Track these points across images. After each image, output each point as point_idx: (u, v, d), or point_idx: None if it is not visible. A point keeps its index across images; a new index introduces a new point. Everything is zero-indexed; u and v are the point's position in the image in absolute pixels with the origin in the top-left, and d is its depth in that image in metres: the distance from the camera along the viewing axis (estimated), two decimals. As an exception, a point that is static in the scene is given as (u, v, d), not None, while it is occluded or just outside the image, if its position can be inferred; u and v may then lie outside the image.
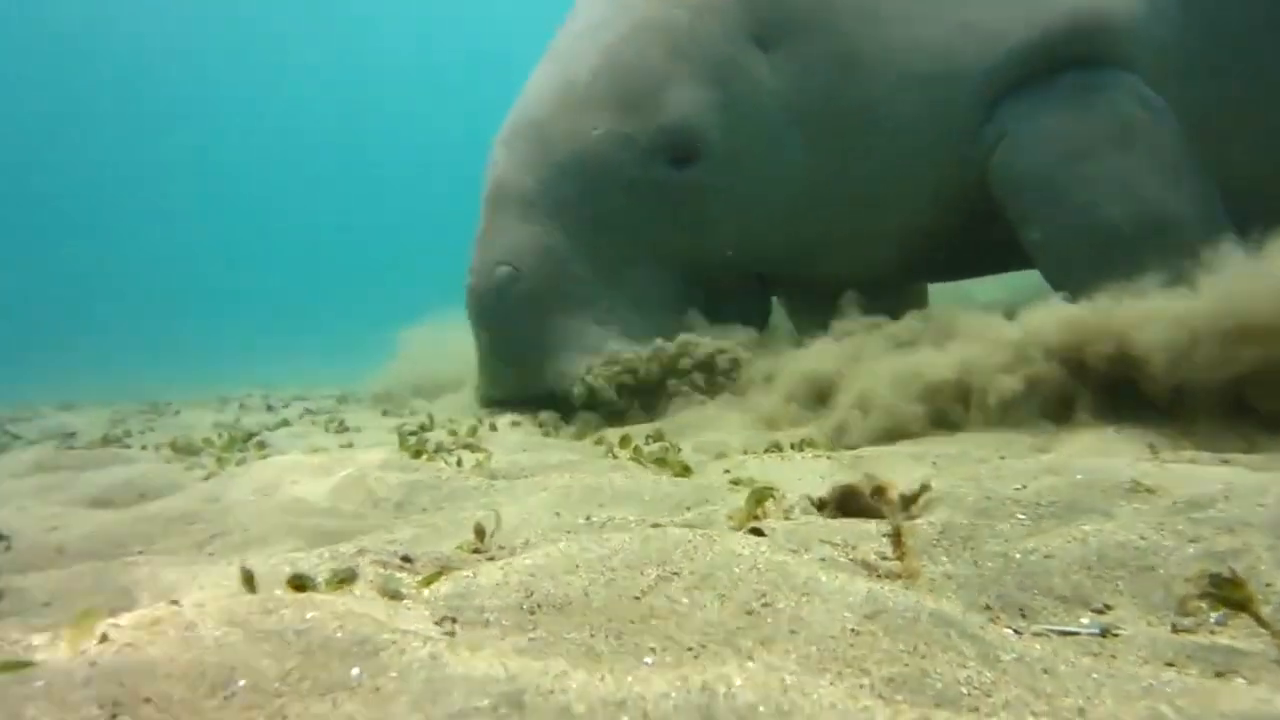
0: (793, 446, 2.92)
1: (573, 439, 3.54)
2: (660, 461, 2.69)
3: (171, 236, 32.76)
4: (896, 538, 1.40)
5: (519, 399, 4.18)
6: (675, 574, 1.20)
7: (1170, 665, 1.07)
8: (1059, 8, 4.10)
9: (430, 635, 1.03)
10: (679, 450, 2.92)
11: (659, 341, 3.99)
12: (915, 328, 3.67)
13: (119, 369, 12.55)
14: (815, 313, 4.48)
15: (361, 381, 8.09)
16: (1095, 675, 1.00)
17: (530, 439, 3.47)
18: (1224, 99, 4.34)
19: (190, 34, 36.41)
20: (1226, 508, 1.54)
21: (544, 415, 4.02)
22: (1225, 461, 2.18)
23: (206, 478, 2.87)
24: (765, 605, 1.12)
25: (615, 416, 3.88)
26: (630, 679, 0.91)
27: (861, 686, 0.96)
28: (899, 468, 2.38)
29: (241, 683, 0.97)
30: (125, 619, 1.24)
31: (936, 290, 5.94)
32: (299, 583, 1.21)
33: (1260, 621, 1.12)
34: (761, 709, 0.85)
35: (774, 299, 5.04)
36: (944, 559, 1.46)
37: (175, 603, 1.30)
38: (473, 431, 3.48)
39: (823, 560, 1.42)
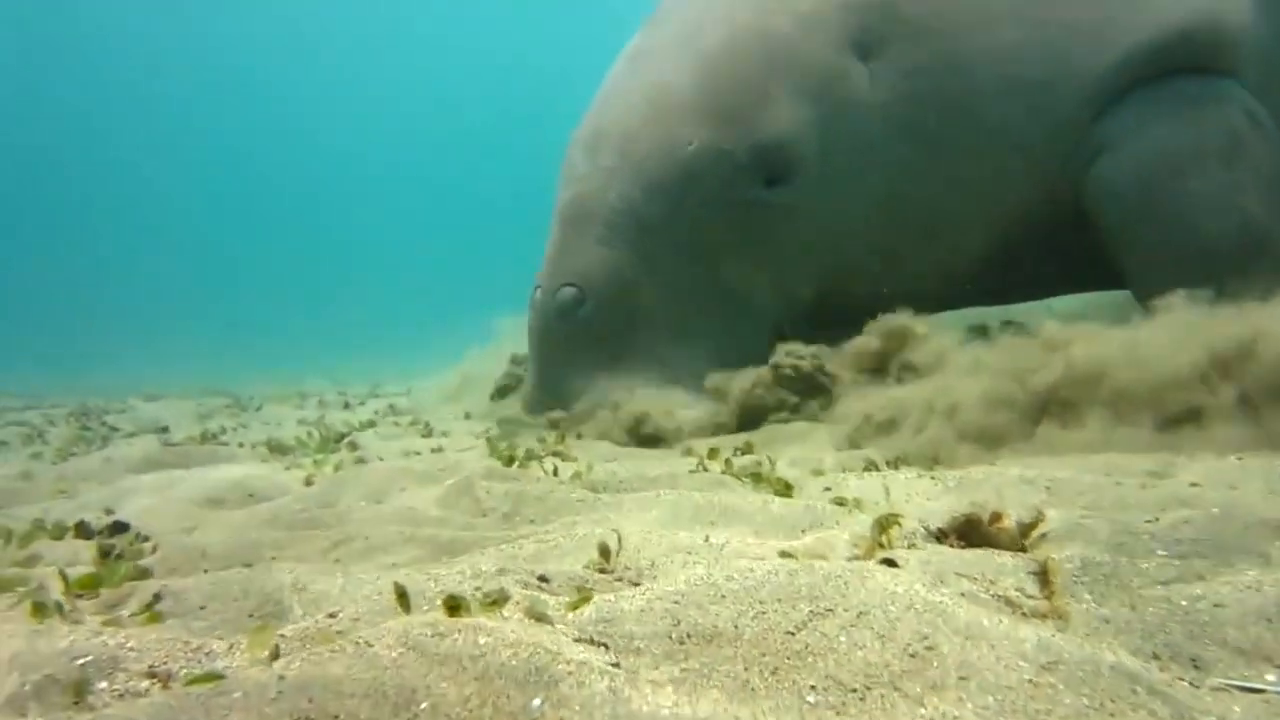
0: (888, 464, 2.88)
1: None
2: (755, 476, 2.67)
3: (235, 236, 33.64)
4: (1043, 575, 1.36)
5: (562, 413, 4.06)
6: (829, 610, 1.19)
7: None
8: (1173, 11, 3.96)
9: (604, 668, 1.04)
10: (774, 465, 2.90)
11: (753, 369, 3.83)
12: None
13: (193, 360, 13.09)
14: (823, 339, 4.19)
15: (425, 377, 8.29)
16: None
17: (617, 448, 3.49)
18: None
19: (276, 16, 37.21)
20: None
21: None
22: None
23: (307, 480, 2.96)
24: (928, 648, 1.10)
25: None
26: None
27: (1046, 740, 0.94)
28: (1008, 492, 2.32)
29: (424, 705, 0.99)
30: (289, 630, 1.29)
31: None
32: (454, 603, 1.24)
33: None
34: (957, 763, 0.84)
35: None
36: (1087, 597, 1.42)
37: (332, 616, 1.34)
38: (561, 439, 3.51)
39: (962, 595, 1.40)
